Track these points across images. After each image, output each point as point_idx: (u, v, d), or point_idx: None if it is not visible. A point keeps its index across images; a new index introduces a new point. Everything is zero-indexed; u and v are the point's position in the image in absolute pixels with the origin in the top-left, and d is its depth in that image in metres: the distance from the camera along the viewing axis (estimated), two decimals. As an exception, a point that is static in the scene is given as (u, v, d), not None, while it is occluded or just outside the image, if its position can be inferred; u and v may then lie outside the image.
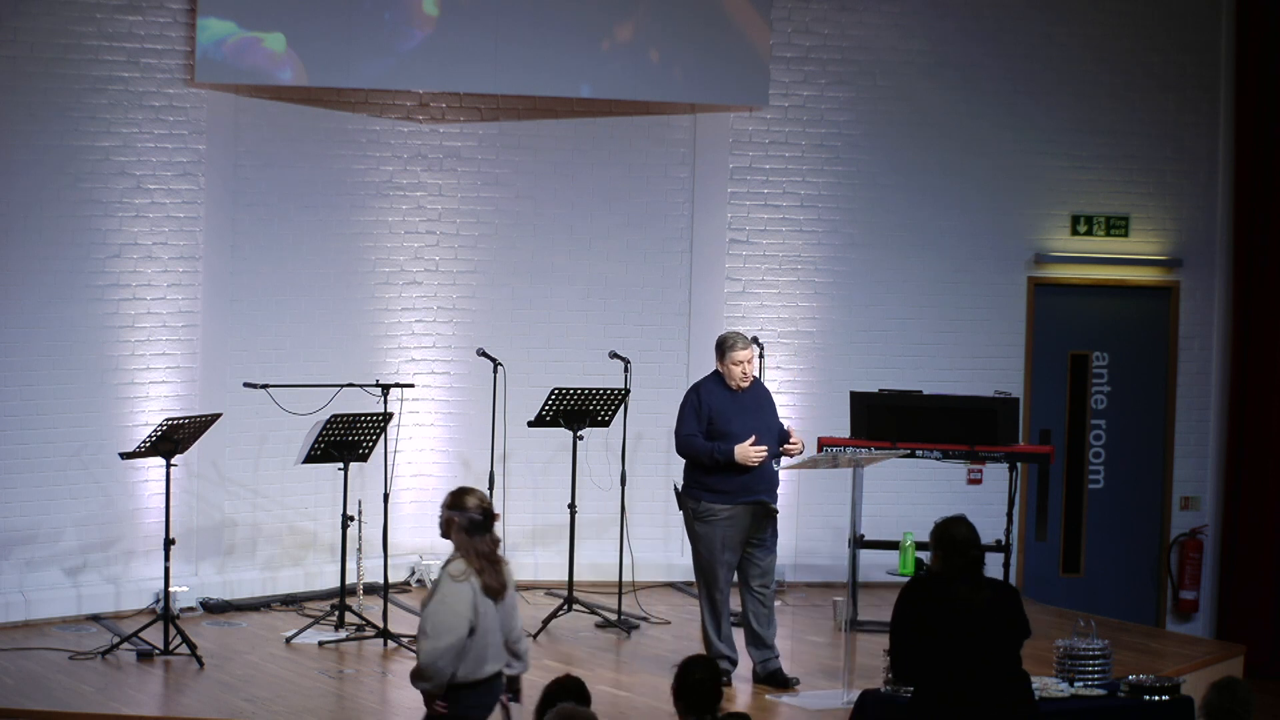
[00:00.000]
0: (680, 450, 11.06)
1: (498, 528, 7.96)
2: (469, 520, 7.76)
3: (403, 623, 12.35)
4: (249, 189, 13.20)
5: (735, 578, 11.04)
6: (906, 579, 10.80)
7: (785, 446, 10.95)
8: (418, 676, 7.83)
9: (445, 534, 7.82)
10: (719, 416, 10.87)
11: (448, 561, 7.77)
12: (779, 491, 11.10)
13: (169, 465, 11.46)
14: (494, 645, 7.85)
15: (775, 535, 11.08)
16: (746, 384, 10.95)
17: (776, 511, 11.01)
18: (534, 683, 11.06)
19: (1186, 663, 12.03)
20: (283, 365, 13.17)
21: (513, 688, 8.11)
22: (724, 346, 10.98)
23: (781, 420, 11.19)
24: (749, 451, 10.72)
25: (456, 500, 7.82)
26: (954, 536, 8.17)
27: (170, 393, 12.85)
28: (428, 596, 7.81)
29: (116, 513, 12.63)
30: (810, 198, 14.29)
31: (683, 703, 7.29)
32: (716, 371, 11.04)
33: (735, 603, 11.15)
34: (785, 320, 14.18)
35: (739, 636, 11.16)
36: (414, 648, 11.71)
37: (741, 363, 10.91)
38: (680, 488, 11.11)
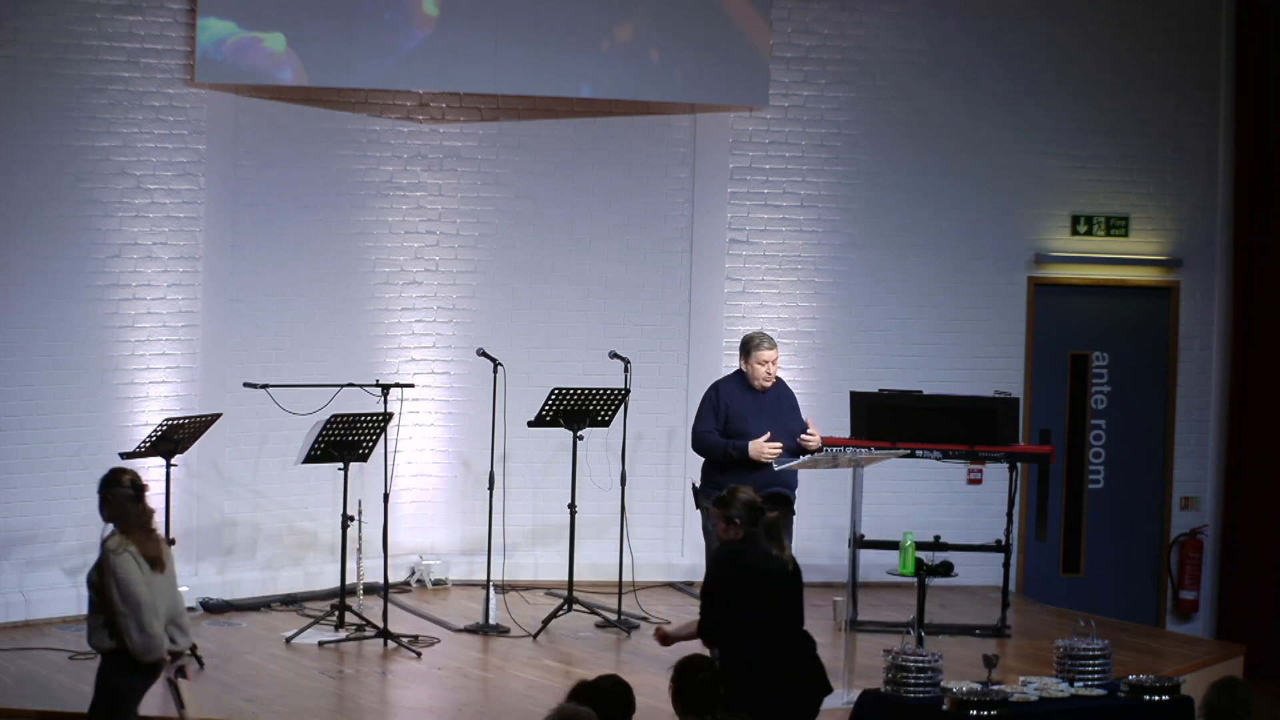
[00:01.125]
0: (695, 446, 11.08)
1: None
2: (122, 495, 8.46)
3: (403, 623, 12.35)
4: (249, 189, 13.20)
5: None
6: (906, 579, 10.82)
7: (802, 437, 10.97)
8: (142, 655, 8.38)
9: (103, 514, 8.55)
10: (736, 416, 10.89)
11: (105, 539, 8.45)
12: (795, 493, 11.13)
13: (169, 465, 11.47)
14: (164, 614, 8.45)
15: (790, 539, 11.09)
16: (769, 384, 11.00)
17: (794, 513, 11.04)
18: (539, 683, 11.10)
19: (1186, 663, 12.04)
20: (283, 365, 13.17)
21: (177, 663, 8.66)
22: (749, 346, 11.02)
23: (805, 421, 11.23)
24: (763, 448, 10.75)
25: (111, 479, 8.54)
26: (743, 499, 8.63)
27: (170, 393, 12.86)
28: (101, 582, 8.41)
29: (116, 513, 12.61)
30: (810, 198, 14.29)
31: (682, 703, 7.27)
32: (739, 371, 11.08)
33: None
34: (785, 320, 14.18)
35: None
36: (414, 648, 11.74)
37: (766, 362, 10.97)
38: (697, 486, 11.13)
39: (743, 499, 8.65)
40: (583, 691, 7.00)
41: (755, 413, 10.93)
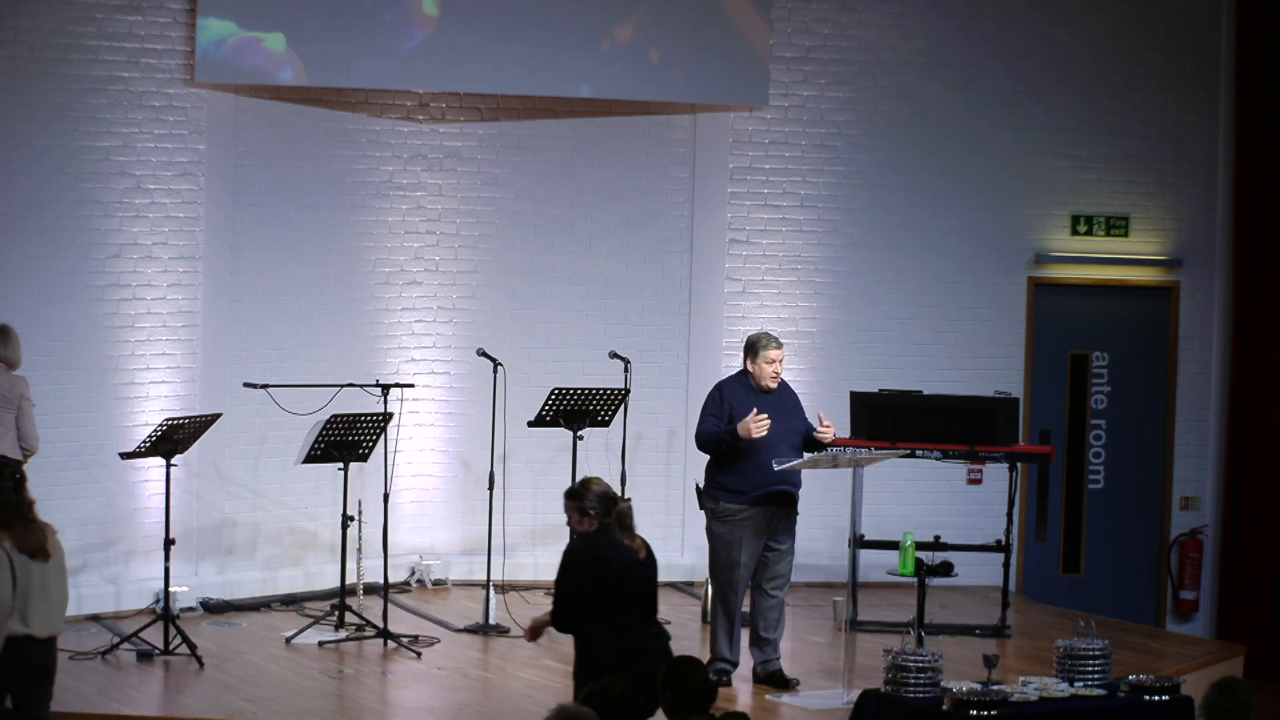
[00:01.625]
0: (699, 442, 11.05)
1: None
2: (2, 488, 8.52)
3: (403, 623, 12.35)
4: (249, 189, 13.21)
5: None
6: (906, 579, 10.82)
7: (818, 431, 10.96)
8: None
9: None
10: (739, 416, 10.87)
11: None
12: (799, 493, 11.12)
13: (169, 465, 11.46)
14: (48, 602, 8.45)
15: (793, 539, 11.09)
16: (775, 385, 10.98)
17: (797, 512, 11.04)
18: (539, 683, 11.10)
19: (1186, 663, 12.04)
20: (283, 365, 13.17)
21: None
22: (756, 346, 10.99)
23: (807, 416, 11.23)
24: (750, 424, 10.72)
25: None
26: (596, 490, 8.59)
27: (170, 393, 12.86)
28: None
29: (116, 513, 12.62)
30: (810, 198, 14.29)
31: (682, 703, 7.24)
32: (743, 371, 11.06)
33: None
34: (785, 320, 14.18)
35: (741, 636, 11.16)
36: (414, 648, 11.75)
37: (774, 362, 10.96)
38: (700, 487, 11.13)
39: (596, 490, 8.59)
40: (595, 694, 7.05)
41: (758, 413, 10.92)
